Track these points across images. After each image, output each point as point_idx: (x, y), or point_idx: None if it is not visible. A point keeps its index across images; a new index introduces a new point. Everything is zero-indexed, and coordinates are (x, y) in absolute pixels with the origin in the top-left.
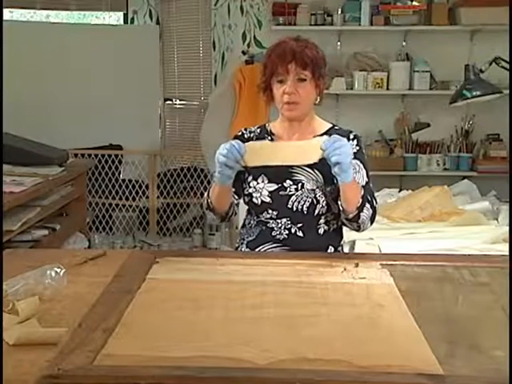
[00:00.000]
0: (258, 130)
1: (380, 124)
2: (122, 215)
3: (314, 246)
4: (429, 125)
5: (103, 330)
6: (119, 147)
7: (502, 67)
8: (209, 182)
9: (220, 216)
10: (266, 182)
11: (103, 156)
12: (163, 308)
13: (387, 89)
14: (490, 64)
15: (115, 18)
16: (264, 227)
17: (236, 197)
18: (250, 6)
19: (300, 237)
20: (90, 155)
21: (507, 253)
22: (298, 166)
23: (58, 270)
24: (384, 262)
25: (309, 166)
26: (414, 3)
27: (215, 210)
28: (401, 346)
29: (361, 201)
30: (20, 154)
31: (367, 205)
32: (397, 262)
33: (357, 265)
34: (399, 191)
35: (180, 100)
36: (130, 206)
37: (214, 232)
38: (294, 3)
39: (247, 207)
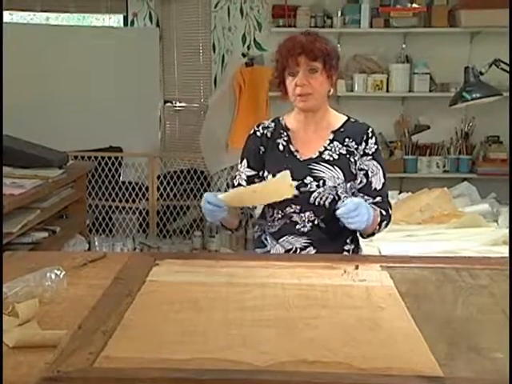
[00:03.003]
0: (273, 125)
1: (380, 126)
2: (121, 217)
3: (337, 237)
4: (429, 127)
5: (103, 332)
6: (119, 149)
7: (502, 69)
8: (209, 185)
9: (231, 230)
10: None
11: (103, 158)
12: (163, 310)
13: (387, 91)
14: (490, 66)
15: (115, 20)
16: (288, 220)
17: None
18: (249, 8)
19: (323, 228)
20: (89, 157)
21: (507, 255)
22: (316, 163)
23: (58, 273)
24: (384, 264)
25: (328, 162)
26: (414, 5)
27: (226, 229)
28: (401, 348)
29: (378, 227)
30: (20, 156)
31: (383, 222)
32: (397, 264)
33: (357, 267)
34: (399, 193)
35: (180, 102)
36: (130, 208)
37: (214, 234)
38: (294, 5)
39: None
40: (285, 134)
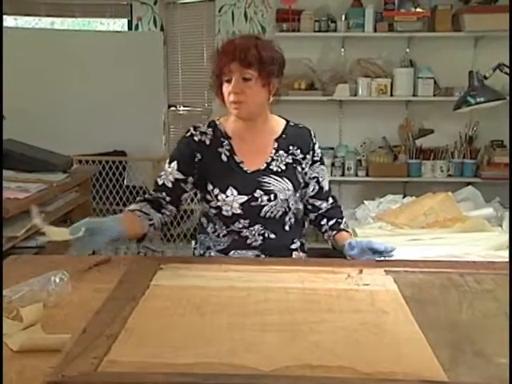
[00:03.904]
0: (211, 131)
1: (384, 130)
2: None
3: (283, 243)
4: (433, 131)
5: (107, 337)
6: (123, 153)
7: (506, 73)
8: None
9: (136, 240)
10: (236, 193)
11: (107, 162)
12: (167, 314)
13: (391, 95)
14: (494, 70)
15: (119, 24)
16: (237, 236)
17: (171, 210)
18: (254, 12)
19: (273, 238)
20: (94, 161)
21: None
22: (265, 175)
23: (63, 277)
24: (388, 269)
25: (276, 173)
26: (418, 10)
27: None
28: (405, 353)
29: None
30: (24, 160)
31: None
32: (401, 269)
33: (361, 271)
34: (403, 197)
35: (184, 106)
36: None
37: None
38: (298, 10)
39: (201, 212)
40: (226, 142)
